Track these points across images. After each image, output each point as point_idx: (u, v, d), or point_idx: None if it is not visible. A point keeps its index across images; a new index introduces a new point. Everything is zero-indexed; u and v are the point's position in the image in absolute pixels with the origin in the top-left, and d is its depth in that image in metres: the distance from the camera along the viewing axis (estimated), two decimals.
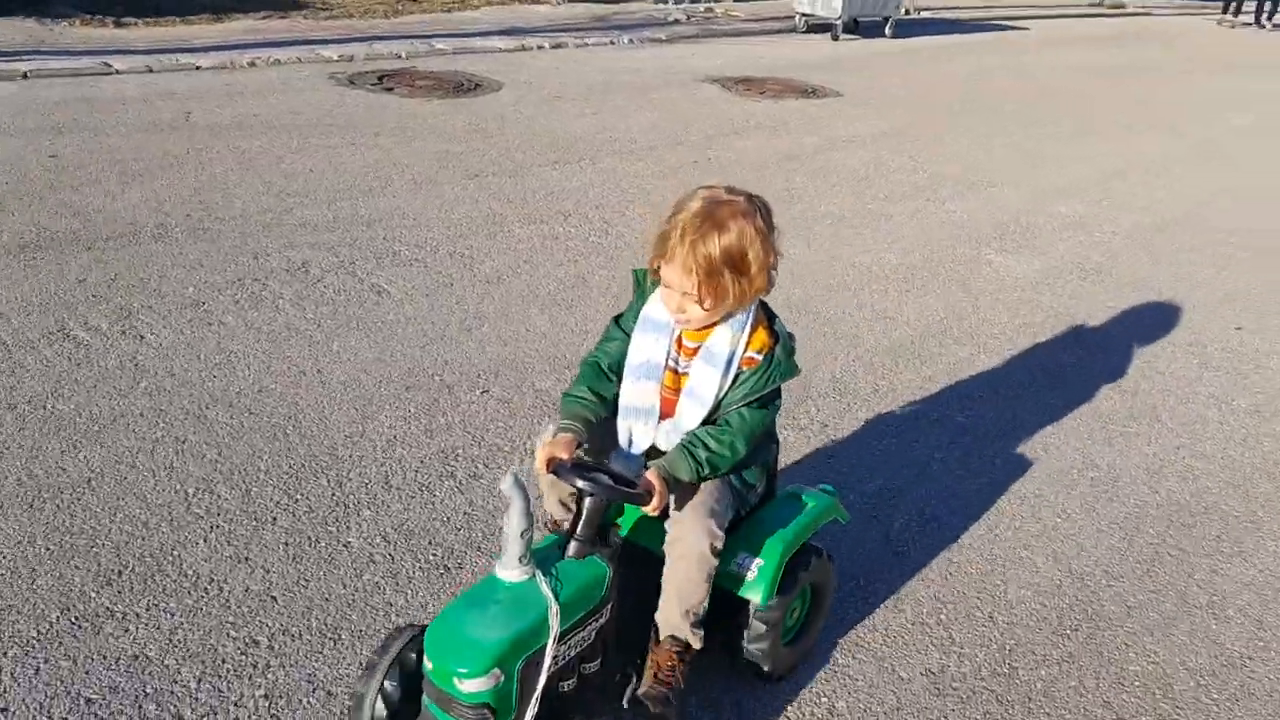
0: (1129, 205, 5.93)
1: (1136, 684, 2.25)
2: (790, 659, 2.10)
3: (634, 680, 1.91)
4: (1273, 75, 11.89)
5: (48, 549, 2.35)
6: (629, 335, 1.93)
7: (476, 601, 1.68)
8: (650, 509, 1.77)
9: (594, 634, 1.79)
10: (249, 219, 4.49)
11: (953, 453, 3.12)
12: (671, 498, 1.82)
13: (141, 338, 3.37)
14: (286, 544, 2.43)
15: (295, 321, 3.58)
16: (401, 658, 1.75)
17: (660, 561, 1.89)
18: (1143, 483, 3.06)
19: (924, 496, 2.87)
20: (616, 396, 1.93)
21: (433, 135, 6.04)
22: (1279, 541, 2.84)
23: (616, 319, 1.98)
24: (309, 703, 1.98)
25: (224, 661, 2.07)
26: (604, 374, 1.93)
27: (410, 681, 1.74)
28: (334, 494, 2.64)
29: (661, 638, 1.92)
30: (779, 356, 1.85)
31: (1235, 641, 2.41)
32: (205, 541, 2.42)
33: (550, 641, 1.64)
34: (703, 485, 1.86)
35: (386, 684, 1.73)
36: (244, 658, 2.08)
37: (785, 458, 2.96)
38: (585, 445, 1.86)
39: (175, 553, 2.37)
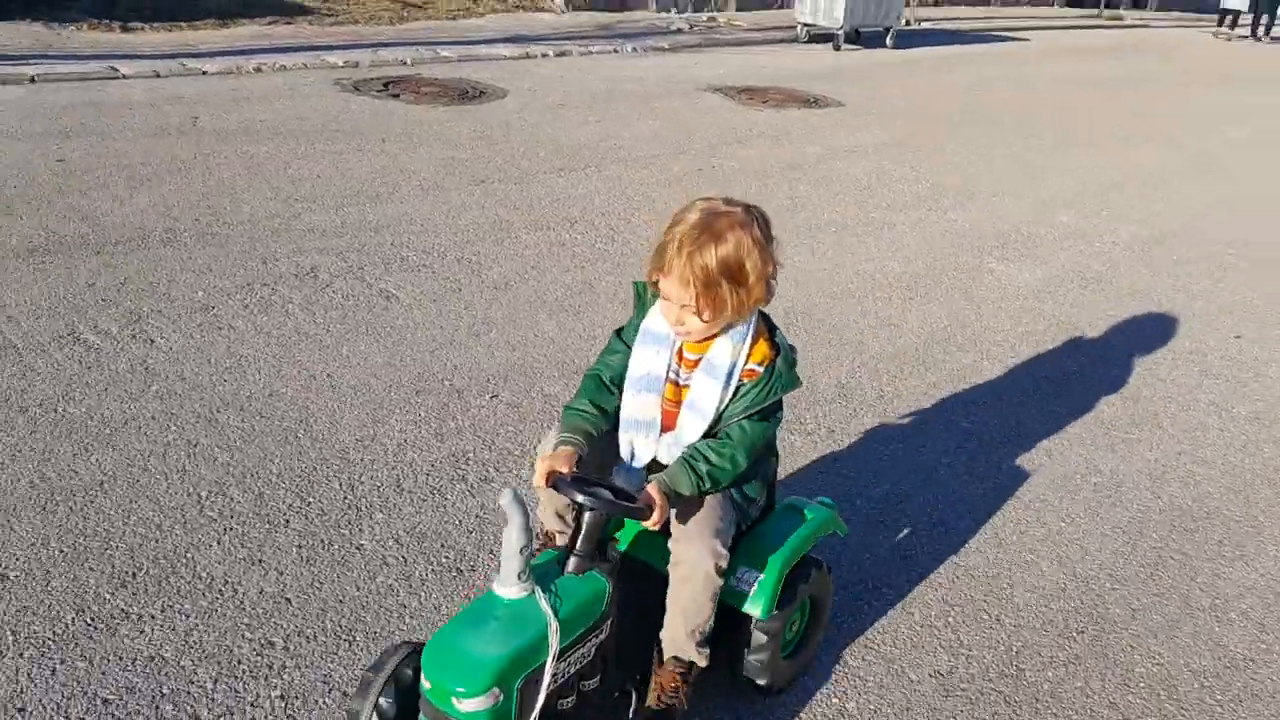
0: (1127, 217, 5.98)
1: (1142, 685, 2.27)
2: (790, 672, 2.09)
3: (634, 698, 1.90)
4: (1268, 88, 11.98)
5: (61, 551, 2.36)
6: (630, 348, 1.93)
7: (475, 619, 1.66)
8: (650, 523, 1.75)
9: (593, 650, 1.77)
10: (257, 224, 4.52)
11: (959, 458, 3.14)
12: (673, 512, 1.81)
13: (152, 342, 3.39)
14: (300, 546, 2.45)
15: (305, 326, 3.60)
16: (397, 675, 1.72)
17: (660, 576, 1.88)
18: (1145, 488, 3.09)
19: (931, 501, 2.89)
20: (618, 409, 1.93)
21: (439, 142, 6.08)
22: None
23: (618, 332, 1.98)
24: (325, 703, 2.00)
25: (239, 662, 2.08)
26: (605, 386, 1.93)
27: (406, 699, 1.70)
28: (346, 497, 2.66)
29: (665, 658, 1.90)
30: (780, 368, 1.84)
31: (1238, 644, 2.44)
32: (219, 544, 2.44)
33: (550, 659, 1.62)
34: (705, 502, 1.85)
35: (382, 702, 1.69)
36: (259, 659, 2.10)
37: (793, 463, 3.00)
38: (585, 458, 1.85)
39: (189, 555, 2.39)
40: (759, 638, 1.95)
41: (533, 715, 1.63)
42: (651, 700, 1.89)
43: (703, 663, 1.90)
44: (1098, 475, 3.13)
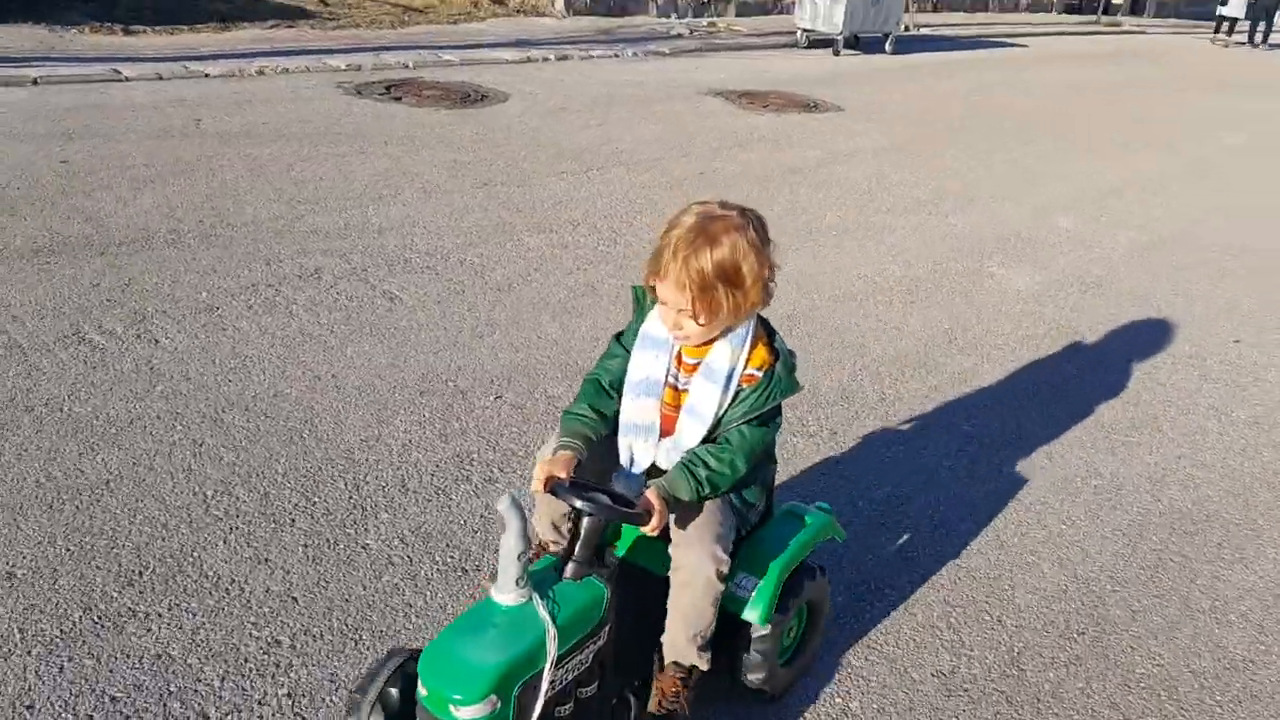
0: (1126, 222, 6.01)
1: (1142, 686, 2.29)
2: (787, 678, 2.09)
3: (632, 704, 1.89)
4: (1265, 95, 12.04)
5: (68, 549, 2.37)
6: (629, 352, 1.92)
7: (472, 625, 1.65)
8: (649, 529, 1.75)
9: (591, 657, 1.76)
10: (261, 225, 4.53)
11: (960, 461, 3.16)
12: (672, 518, 1.80)
13: (156, 342, 3.40)
14: (306, 546, 2.46)
15: (309, 327, 3.61)
16: (393, 682, 1.71)
17: (658, 581, 1.88)
18: (1145, 491, 3.11)
19: (932, 503, 2.91)
20: (617, 414, 1.92)
21: (441, 145, 6.10)
22: (1279, 549, 2.89)
23: (617, 336, 1.98)
24: (332, 701, 2.01)
25: (247, 661, 2.09)
26: (604, 391, 1.93)
27: (404, 705, 1.69)
28: (351, 497, 2.67)
29: (666, 664, 1.90)
30: (779, 373, 1.83)
31: (1238, 645, 2.46)
32: (225, 543, 2.45)
33: (548, 666, 1.61)
34: (705, 508, 1.84)
35: (379, 707, 1.69)
36: (266, 657, 2.11)
37: (796, 465, 3.01)
38: (584, 463, 1.84)
39: (195, 554, 2.40)
40: (757, 644, 1.94)
41: None
42: (653, 706, 1.89)
43: (704, 666, 1.90)
44: (1098, 478, 3.15)
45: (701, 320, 1.76)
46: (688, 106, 7.94)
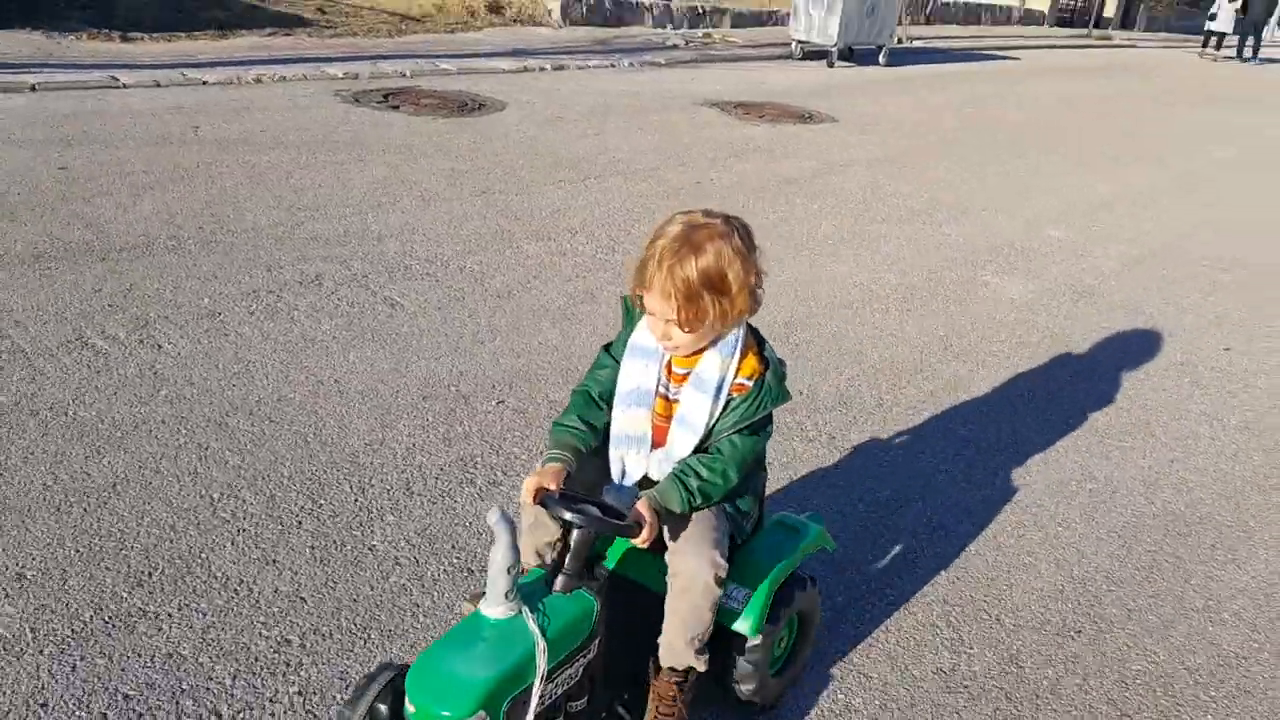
0: (1117, 235, 6.09)
1: (1139, 682, 2.33)
2: (778, 688, 2.08)
3: (623, 717, 1.88)
4: (1254, 109, 12.21)
5: (77, 551, 2.39)
6: (619, 363, 1.92)
7: (461, 640, 1.62)
8: (640, 541, 1.73)
9: (581, 671, 1.74)
10: (261, 232, 4.56)
11: (957, 464, 3.21)
12: (665, 529, 1.79)
13: (159, 347, 3.42)
14: (313, 547, 2.48)
15: (311, 333, 3.64)
16: (382, 698, 1.68)
17: (648, 594, 1.87)
18: (1139, 494, 3.17)
19: (930, 507, 2.95)
20: (607, 426, 1.91)
21: (439, 153, 6.14)
22: (1270, 550, 2.94)
23: (606, 347, 1.98)
24: (342, 699, 2.03)
25: (257, 659, 2.11)
26: (594, 402, 1.92)
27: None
28: (357, 499, 2.70)
29: (662, 669, 1.89)
30: (769, 382, 1.82)
31: (1231, 643, 2.51)
32: (233, 544, 2.47)
33: (537, 680, 1.59)
34: (700, 514, 1.83)
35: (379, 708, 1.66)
36: (277, 656, 2.13)
37: (795, 469, 3.05)
38: (574, 476, 1.83)
39: (203, 555, 2.42)
40: (748, 655, 1.94)
41: None
42: (650, 715, 1.89)
43: (702, 667, 1.89)
44: (1093, 482, 3.20)
45: (688, 329, 1.75)
46: (684, 117, 8.00)
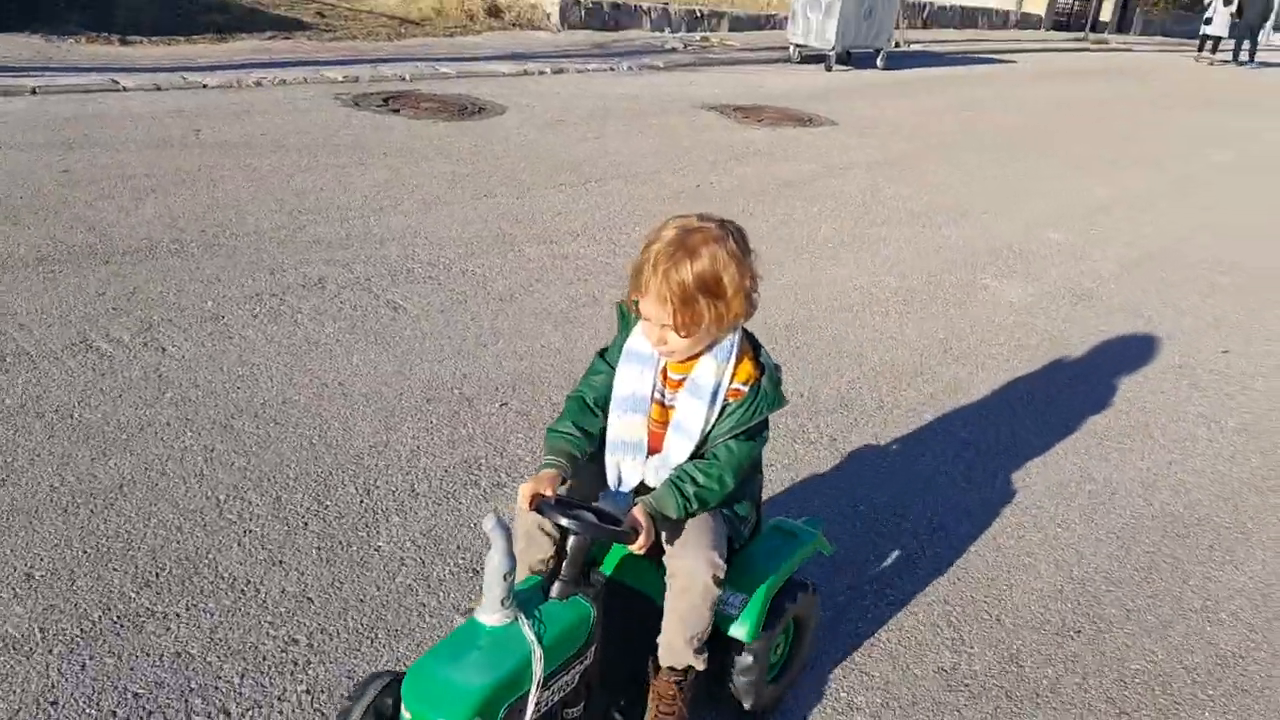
0: (1115, 239, 6.13)
1: (1137, 682, 2.36)
2: (774, 695, 2.07)
3: None
4: (1250, 113, 12.27)
5: (85, 552, 2.41)
6: (614, 368, 1.91)
7: (457, 647, 1.62)
8: (636, 547, 1.73)
9: (578, 677, 1.74)
10: (263, 235, 4.58)
11: (957, 466, 3.23)
12: (662, 535, 1.80)
13: (164, 349, 3.44)
14: (319, 548, 2.50)
15: (314, 335, 3.66)
16: (377, 705, 1.67)
17: (644, 599, 1.88)
18: (1138, 495, 3.19)
19: (931, 508, 2.97)
20: (603, 432, 1.91)
21: (439, 156, 6.16)
22: (1267, 551, 2.97)
23: (601, 353, 1.97)
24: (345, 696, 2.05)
25: (265, 659, 2.13)
26: (589, 408, 1.91)
27: None
28: (362, 501, 2.71)
29: (661, 669, 1.90)
30: (765, 388, 1.82)
31: (1229, 642, 2.54)
32: (239, 545, 2.48)
33: (534, 688, 1.59)
34: (699, 518, 1.83)
35: None
36: (284, 655, 2.15)
37: (796, 471, 3.07)
38: (570, 481, 1.83)
39: (210, 556, 2.44)
40: (745, 660, 1.93)
41: None
42: (650, 715, 1.90)
43: (701, 666, 1.89)
44: (1091, 483, 3.23)
45: (684, 333, 1.75)
46: (683, 120, 8.04)
